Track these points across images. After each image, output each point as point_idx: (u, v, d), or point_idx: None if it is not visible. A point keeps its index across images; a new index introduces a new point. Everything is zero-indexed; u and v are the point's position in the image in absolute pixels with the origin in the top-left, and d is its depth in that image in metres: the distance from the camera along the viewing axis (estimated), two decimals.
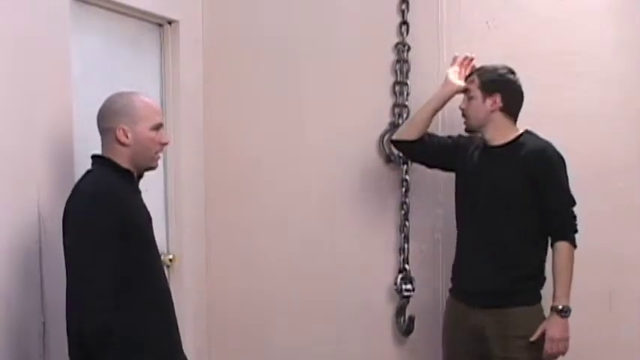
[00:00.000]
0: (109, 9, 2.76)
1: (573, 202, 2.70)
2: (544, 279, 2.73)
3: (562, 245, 2.66)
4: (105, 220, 2.04)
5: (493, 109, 2.72)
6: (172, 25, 3.13)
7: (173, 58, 3.14)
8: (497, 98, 2.71)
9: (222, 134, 3.34)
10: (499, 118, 2.73)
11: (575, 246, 2.68)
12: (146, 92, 2.57)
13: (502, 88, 2.72)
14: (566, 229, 2.68)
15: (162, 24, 3.12)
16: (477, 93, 2.75)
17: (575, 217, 2.70)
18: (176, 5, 3.11)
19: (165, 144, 2.30)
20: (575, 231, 2.69)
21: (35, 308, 2.28)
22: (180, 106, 3.14)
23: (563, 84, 3.04)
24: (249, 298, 3.32)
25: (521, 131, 2.74)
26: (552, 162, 2.70)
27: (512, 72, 2.76)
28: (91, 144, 2.30)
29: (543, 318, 2.68)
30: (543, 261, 2.74)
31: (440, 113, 2.96)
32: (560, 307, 2.63)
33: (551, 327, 2.64)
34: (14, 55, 2.23)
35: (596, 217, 2.99)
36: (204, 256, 3.36)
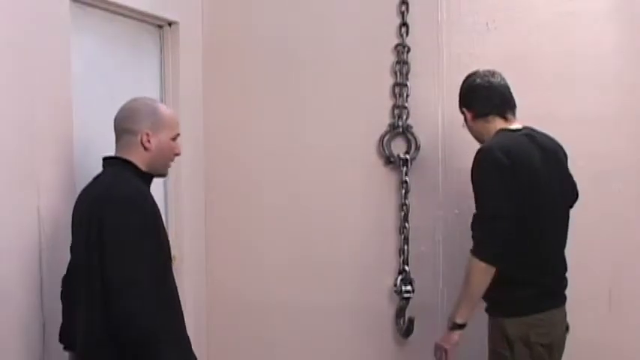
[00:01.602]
0: (109, 10, 2.77)
1: (494, 213, 2.36)
2: (513, 292, 2.43)
3: (469, 258, 2.41)
4: (142, 222, 2.06)
5: (470, 122, 2.64)
6: (172, 26, 3.14)
7: (173, 59, 3.15)
8: (465, 112, 2.65)
9: (222, 135, 3.36)
10: (480, 125, 2.62)
11: (486, 261, 2.36)
12: (146, 93, 2.59)
13: (461, 101, 2.67)
14: (475, 240, 2.41)
15: (162, 25, 3.14)
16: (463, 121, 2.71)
17: (492, 230, 2.35)
18: (176, 6, 3.12)
19: (178, 154, 2.32)
20: (488, 247, 2.37)
21: (35, 308, 2.30)
22: (180, 107, 3.15)
23: (563, 85, 3.03)
24: (249, 298, 3.34)
25: (497, 128, 2.57)
26: (478, 164, 2.46)
27: (471, 75, 2.65)
28: (91, 145, 2.31)
29: (502, 333, 2.45)
30: (509, 271, 2.41)
31: (440, 124, 3.06)
32: (451, 318, 2.49)
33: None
34: (15, 57, 2.24)
35: (596, 218, 2.99)
36: (204, 256, 3.37)
